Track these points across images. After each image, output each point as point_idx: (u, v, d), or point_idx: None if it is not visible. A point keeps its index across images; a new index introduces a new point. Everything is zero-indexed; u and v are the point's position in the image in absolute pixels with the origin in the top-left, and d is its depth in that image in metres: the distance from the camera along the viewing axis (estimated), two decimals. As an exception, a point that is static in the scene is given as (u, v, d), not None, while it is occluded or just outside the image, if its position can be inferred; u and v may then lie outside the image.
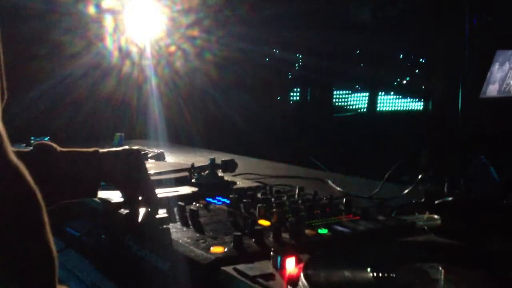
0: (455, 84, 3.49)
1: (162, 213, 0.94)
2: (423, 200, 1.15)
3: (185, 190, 1.17)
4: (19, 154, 0.47)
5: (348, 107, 4.85)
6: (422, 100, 5.00)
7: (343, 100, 4.84)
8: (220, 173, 1.31)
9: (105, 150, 0.91)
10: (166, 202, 0.99)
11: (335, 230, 0.90)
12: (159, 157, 1.68)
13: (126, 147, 0.99)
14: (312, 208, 1.01)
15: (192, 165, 1.34)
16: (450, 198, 1.08)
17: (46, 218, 0.48)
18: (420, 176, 1.18)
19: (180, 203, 1.01)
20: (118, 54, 2.66)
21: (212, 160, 1.29)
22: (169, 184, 1.20)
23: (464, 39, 3.42)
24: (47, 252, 0.48)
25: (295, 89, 4.49)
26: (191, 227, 0.92)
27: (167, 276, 0.84)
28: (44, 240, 0.47)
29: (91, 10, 2.53)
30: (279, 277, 0.69)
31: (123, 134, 1.87)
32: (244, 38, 3.62)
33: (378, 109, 4.99)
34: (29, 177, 0.47)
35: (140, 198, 0.94)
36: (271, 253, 0.74)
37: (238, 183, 1.29)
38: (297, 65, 4.24)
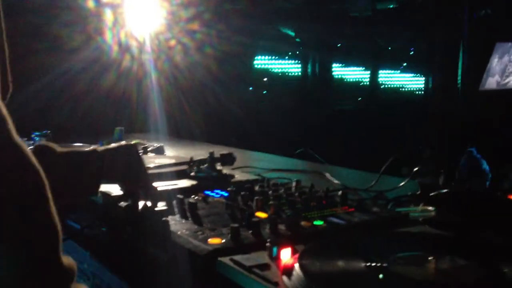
0: (454, 77, 3.50)
1: (161, 205, 0.96)
2: (418, 192, 1.17)
3: (184, 183, 1.19)
4: None
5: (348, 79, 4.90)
6: (423, 76, 5.07)
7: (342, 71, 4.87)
8: (218, 167, 1.33)
9: (103, 148, 0.92)
10: (166, 195, 1.01)
11: (330, 222, 0.92)
12: (159, 151, 1.69)
13: (123, 142, 1.01)
14: (308, 200, 1.03)
15: (191, 158, 1.36)
16: (445, 190, 1.09)
17: (49, 194, 0.50)
18: (415, 169, 1.20)
19: (179, 196, 1.03)
20: (117, 48, 2.66)
21: (211, 154, 1.31)
22: (169, 177, 1.21)
23: (463, 31, 3.41)
24: (51, 224, 0.50)
25: (296, 62, 4.49)
26: (189, 219, 0.94)
27: (166, 267, 0.86)
28: (47, 213, 0.49)
29: (91, 4, 2.53)
30: (274, 267, 0.71)
31: (123, 128, 1.89)
32: (244, 32, 3.62)
33: (379, 80, 5.05)
34: (32, 157, 0.49)
35: (139, 191, 0.96)
36: (267, 244, 0.76)
37: (236, 176, 1.31)
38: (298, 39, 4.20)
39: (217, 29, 3.37)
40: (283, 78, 4.54)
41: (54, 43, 2.38)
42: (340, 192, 1.07)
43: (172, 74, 3.04)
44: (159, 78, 2.85)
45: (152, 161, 1.39)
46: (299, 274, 0.67)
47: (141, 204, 0.95)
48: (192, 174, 1.28)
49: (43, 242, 0.49)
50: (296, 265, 0.69)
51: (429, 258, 0.71)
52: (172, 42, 3.05)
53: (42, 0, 2.31)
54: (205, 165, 1.31)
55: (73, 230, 1.08)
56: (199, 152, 1.52)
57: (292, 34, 4.14)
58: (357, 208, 1.00)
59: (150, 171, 1.12)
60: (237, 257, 0.74)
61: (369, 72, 5.10)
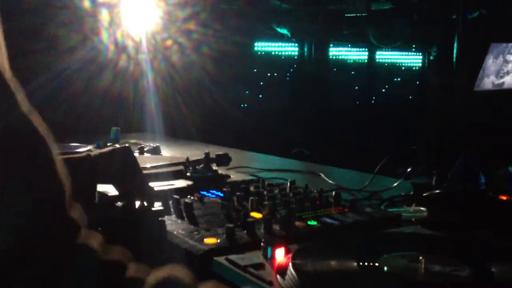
0: (451, 77, 3.52)
1: (157, 206, 0.97)
2: (411, 192, 1.19)
3: (180, 183, 1.20)
4: None
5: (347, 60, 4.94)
6: (421, 54, 5.15)
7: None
8: (214, 167, 1.34)
9: (97, 152, 0.92)
10: (162, 195, 1.02)
11: (324, 222, 0.93)
12: (155, 151, 1.70)
13: (117, 145, 1.02)
14: (303, 200, 1.04)
15: (187, 159, 1.37)
16: (437, 191, 1.11)
17: (57, 159, 0.53)
18: (408, 170, 1.22)
19: (175, 196, 1.04)
20: (114, 48, 2.67)
21: (207, 154, 1.32)
22: (165, 177, 1.23)
23: (458, 32, 3.44)
24: (57, 182, 0.52)
25: (293, 45, 4.49)
26: (185, 219, 0.95)
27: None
28: (54, 172, 0.52)
29: (87, 4, 2.53)
30: (268, 267, 0.73)
31: (119, 128, 1.90)
32: (241, 32, 3.63)
33: (377, 60, 5.09)
34: (40, 126, 0.51)
35: (135, 192, 0.96)
36: (262, 244, 0.77)
37: (231, 176, 1.32)
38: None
39: (214, 29, 3.37)
40: (282, 60, 4.54)
41: (51, 43, 2.38)
42: (334, 193, 1.09)
43: (169, 73, 3.05)
44: (156, 78, 2.86)
45: (148, 161, 1.40)
46: (293, 273, 0.68)
47: (137, 204, 0.96)
48: (188, 174, 1.30)
49: (49, 191, 0.51)
50: (290, 265, 0.70)
51: (421, 258, 0.73)
52: (169, 42, 3.05)
53: (38, 0, 2.31)
54: (201, 166, 1.32)
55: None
56: (195, 152, 1.53)
57: (288, 34, 4.15)
58: (351, 209, 1.02)
59: (146, 172, 1.13)
60: (232, 257, 0.76)
61: (367, 51, 5.13)
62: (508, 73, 4.39)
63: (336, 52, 4.94)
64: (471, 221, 0.97)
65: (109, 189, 1.04)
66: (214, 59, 3.37)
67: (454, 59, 3.37)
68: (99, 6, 2.57)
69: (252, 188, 1.16)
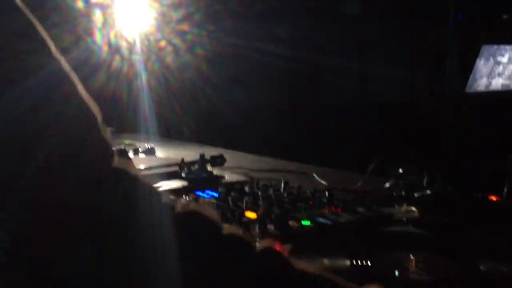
0: (440, 79, 3.56)
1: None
2: (403, 193, 1.21)
3: (176, 184, 1.22)
4: None
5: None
6: None
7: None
8: (209, 168, 1.35)
9: None
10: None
11: (317, 222, 0.95)
12: (150, 152, 1.71)
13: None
14: (296, 201, 1.06)
15: (182, 160, 1.38)
16: (428, 191, 1.14)
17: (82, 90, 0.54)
18: (400, 170, 1.24)
19: (170, 196, 1.05)
20: (107, 49, 2.67)
21: (202, 155, 1.34)
22: (160, 178, 1.24)
23: (449, 33, 3.48)
24: (87, 105, 0.54)
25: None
26: (180, 219, 0.96)
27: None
28: (81, 97, 0.54)
29: (80, 4, 2.53)
30: (263, 266, 0.74)
31: (113, 129, 1.90)
32: (235, 33, 3.64)
33: None
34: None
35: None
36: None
37: (226, 177, 1.34)
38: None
39: (208, 30, 3.38)
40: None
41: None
42: (327, 193, 1.10)
43: (163, 74, 3.05)
44: (150, 79, 2.86)
45: (143, 162, 1.41)
46: (287, 272, 0.70)
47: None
48: (183, 175, 1.31)
49: (82, 112, 0.53)
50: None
51: (411, 257, 0.75)
52: (163, 43, 3.06)
53: (31, 0, 2.31)
54: (196, 167, 1.34)
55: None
56: (190, 153, 1.54)
57: (281, 34, 4.17)
58: (343, 209, 1.04)
59: (141, 173, 1.14)
60: (227, 256, 0.77)
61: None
62: (499, 74, 4.44)
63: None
64: (460, 221, 0.99)
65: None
66: (209, 60, 3.38)
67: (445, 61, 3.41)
68: (92, 7, 2.57)
69: (246, 189, 1.17)
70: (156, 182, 1.11)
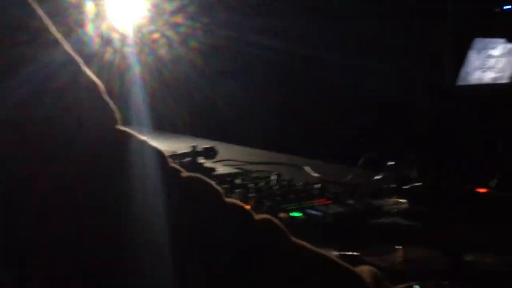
0: (436, 72, 3.58)
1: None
2: (393, 185, 1.22)
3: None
4: None
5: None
6: None
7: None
8: (201, 160, 1.36)
9: None
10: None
11: (308, 214, 0.96)
12: (142, 144, 1.71)
13: None
14: (288, 193, 1.07)
15: (174, 152, 1.38)
16: (417, 184, 1.15)
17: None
18: (389, 163, 1.25)
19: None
20: (99, 41, 2.65)
21: (193, 148, 1.34)
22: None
23: (445, 26, 3.49)
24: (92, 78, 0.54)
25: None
26: (172, 211, 0.96)
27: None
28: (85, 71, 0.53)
29: (72, -5, 2.51)
30: (253, 257, 0.75)
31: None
32: (230, 25, 3.62)
33: None
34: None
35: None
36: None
37: (218, 169, 1.34)
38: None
39: (202, 22, 3.37)
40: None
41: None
42: (318, 185, 1.11)
43: (156, 67, 3.04)
44: (142, 71, 2.85)
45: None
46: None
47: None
48: (175, 167, 1.31)
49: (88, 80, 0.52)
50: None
51: (399, 248, 0.76)
52: (156, 35, 3.04)
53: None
54: (188, 159, 1.34)
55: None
56: (182, 145, 1.54)
57: (276, 27, 4.16)
58: (334, 201, 1.05)
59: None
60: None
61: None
62: (490, 68, 4.47)
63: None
64: (448, 213, 1.00)
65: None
66: (203, 52, 3.37)
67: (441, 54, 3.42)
68: (84, -2, 2.54)
69: (238, 181, 1.18)
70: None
